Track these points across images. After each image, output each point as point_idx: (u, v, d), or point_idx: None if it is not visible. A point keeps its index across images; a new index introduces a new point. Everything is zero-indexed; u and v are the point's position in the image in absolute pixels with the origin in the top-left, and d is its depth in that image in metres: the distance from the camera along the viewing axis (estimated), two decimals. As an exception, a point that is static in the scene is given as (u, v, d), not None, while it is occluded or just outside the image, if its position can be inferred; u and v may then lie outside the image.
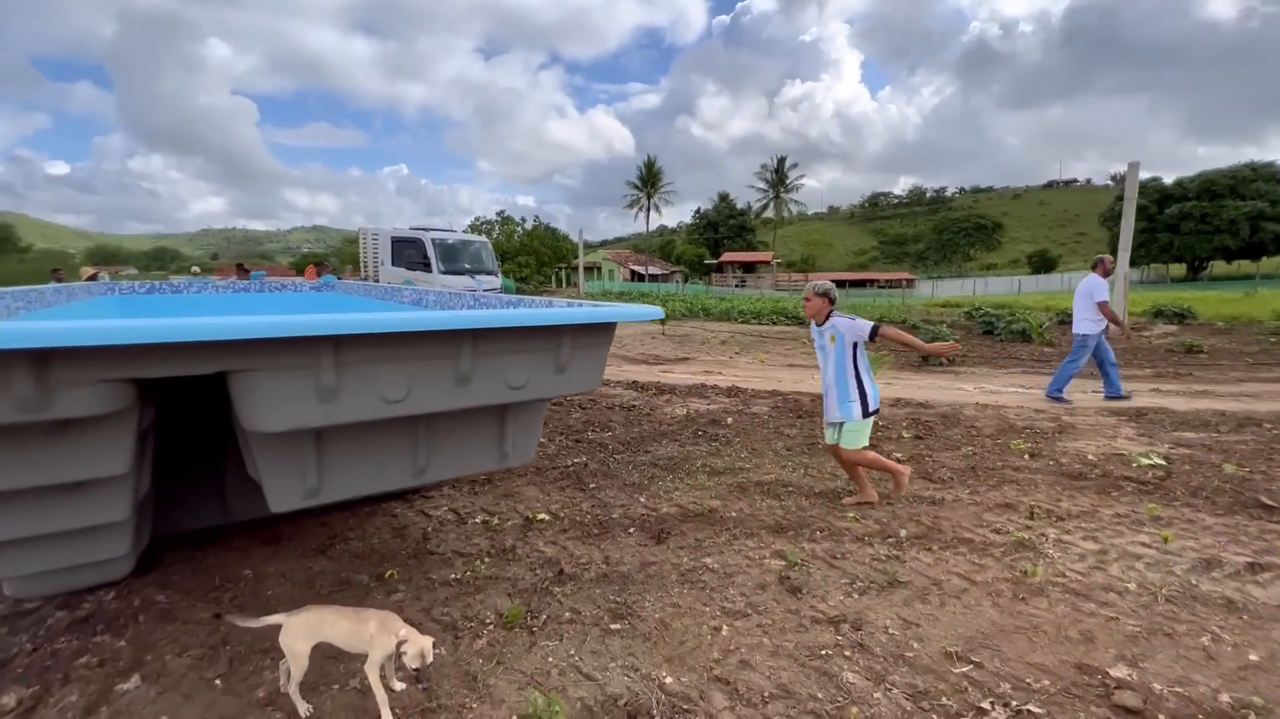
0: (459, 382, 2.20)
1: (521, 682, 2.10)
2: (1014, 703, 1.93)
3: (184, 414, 2.90)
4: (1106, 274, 6.65)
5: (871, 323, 3.51)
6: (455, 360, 2.15)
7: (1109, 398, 6.57)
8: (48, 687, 2.08)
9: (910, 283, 49.80)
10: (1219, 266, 48.08)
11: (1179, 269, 48.19)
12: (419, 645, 1.84)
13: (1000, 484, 3.95)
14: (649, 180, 62.30)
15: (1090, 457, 4.42)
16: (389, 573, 2.86)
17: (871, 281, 52.95)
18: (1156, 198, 44.25)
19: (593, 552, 3.11)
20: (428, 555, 3.08)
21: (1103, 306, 6.40)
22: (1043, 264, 65.63)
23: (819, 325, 3.67)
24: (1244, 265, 47.47)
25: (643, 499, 3.79)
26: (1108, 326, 6.59)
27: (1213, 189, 43.00)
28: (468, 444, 2.56)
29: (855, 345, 3.55)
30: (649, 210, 61.82)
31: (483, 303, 3.37)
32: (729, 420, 5.67)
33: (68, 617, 2.52)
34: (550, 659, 2.23)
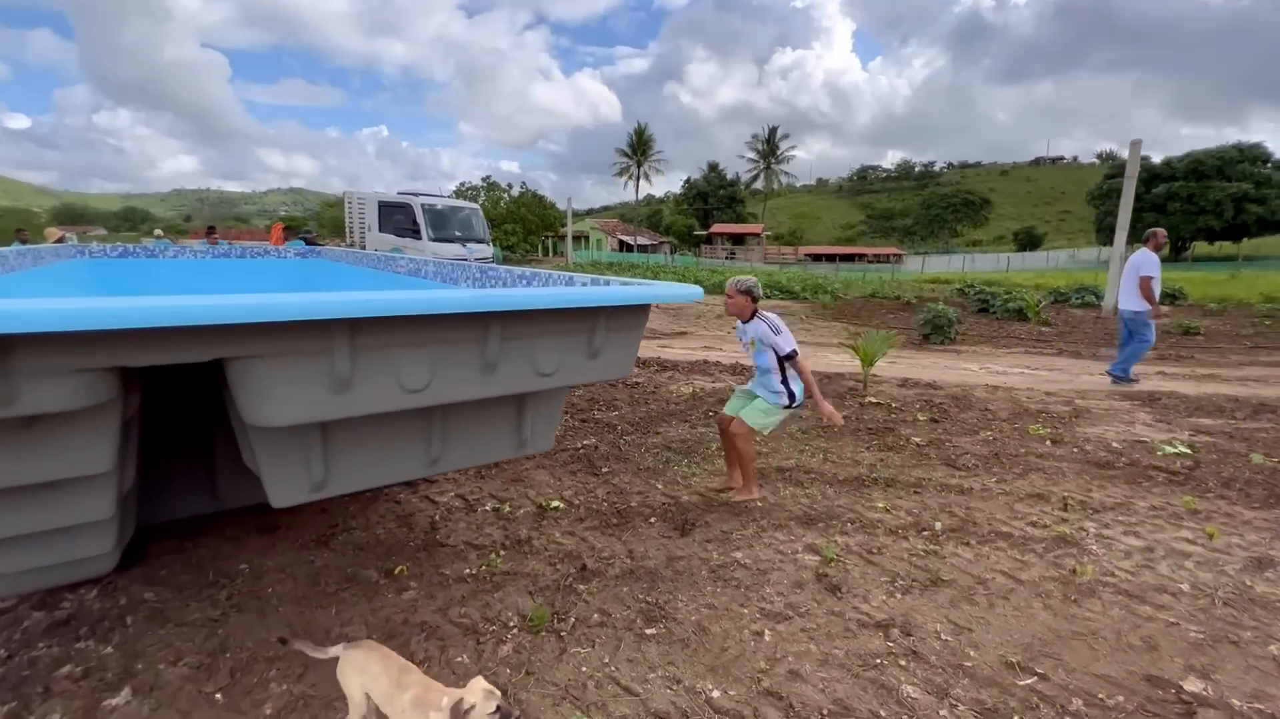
0: (485, 368, 1.97)
1: (556, 696, 1.93)
2: (1092, 723, 1.80)
3: (170, 392, 2.64)
4: (1158, 249, 6.39)
5: (793, 345, 3.22)
6: (482, 345, 1.92)
7: (1111, 373, 6.49)
8: (26, 702, 1.87)
9: (898, 258, 49.80)
10: (1201, 247, 48.64)
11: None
12: (481, 697, 1.42)
13: (1027, 473, 3.83)
14: (639, 148, 61.09)
15: (1115, 444, 4.32)
16: (399, 568, 2.66)
17: (860, 256, 52.86)
18: (1145, 177, 44.24)
19: (614, 544, 2.93)
20: (438, 548, 2.88)
21: (1145, 283, 6.15)
22: (1029, 241, 65.99)
23: (743, 323, 3.39)
24: (1225, 246, 48.08)
25: (660, 485, 3.62)
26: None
27: (1200, 169, 43.20)
28: (485, 432, 2.34)
29: (774, 352, 3.26)
30: (638, 179, 60.80)
31: (503, 279, 3.11)
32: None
33: (46, 618, 2.29)
34: (584, 669, 2.06)
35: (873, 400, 5.54)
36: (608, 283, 2.52)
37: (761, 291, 3.37)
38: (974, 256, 48.62)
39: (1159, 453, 4.15)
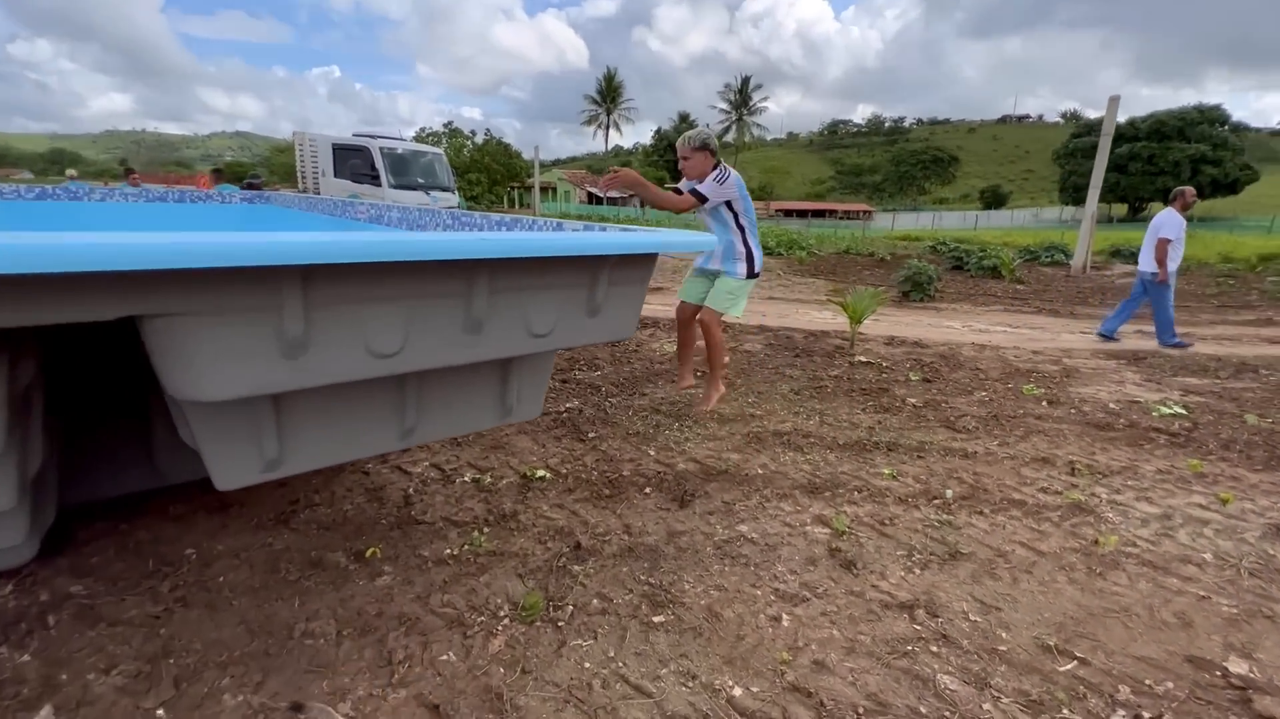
0: (470, 328, 1.66)
1: (558, 699, 1.71)
2: (1146, 715, 1.67)
3: (92, 351, 2.26)
4: (1185, 209, 6.19)
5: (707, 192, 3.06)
6: (467, 300, 1.61)
7: (1102, 334, 6.47)
8: (-81, 728, 1.56)
9: (868, 214, 49.83)
10: (1156, 208, 49.94)
11: (1120, 208, 49.85)
12: None
13: (1028, 435, 3.72)
14: (608, 95, 58.88)
15: (1111, 405, 4.25)
16: (370, 550, 2.37)
17: (831, 212, 52.70)
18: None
19: (609, 518, 2.70)
20: (414, 525, 2.60)
21: (1161, 245, 5.98)
22: (995, 200, 66.79)
23: (701, 187, 3.09)
24: (1179, 207, 49.41)
25: (652, 452, 3.38)
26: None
27: (1162, 130, 43.90)
28: (466, 399, 2.04)
29: (729, 203, 3.11)
30: (608, 128, 58.81)
31: (480, 227, 2.75)
32: (724, 359, 5.26)
33: (-52, 621, 1.95)
34: (587, 665, 1.84)
35: (862, 359, 5.38)
36: (604, 229, 2.20)
37: (718, 144, 3.11)
38: (941, 214, 48.97)
39: (1155, 414, 4.10)
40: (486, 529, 2.58)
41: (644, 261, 2.01)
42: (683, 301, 3.29)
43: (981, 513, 2.79)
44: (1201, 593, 2.23)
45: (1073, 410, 4.15)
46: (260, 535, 2.47)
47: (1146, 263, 6.28)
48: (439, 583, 2.22)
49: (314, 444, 1.75)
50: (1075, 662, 1.88)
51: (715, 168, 3.07)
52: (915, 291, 9.16)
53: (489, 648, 1.91)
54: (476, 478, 3.03)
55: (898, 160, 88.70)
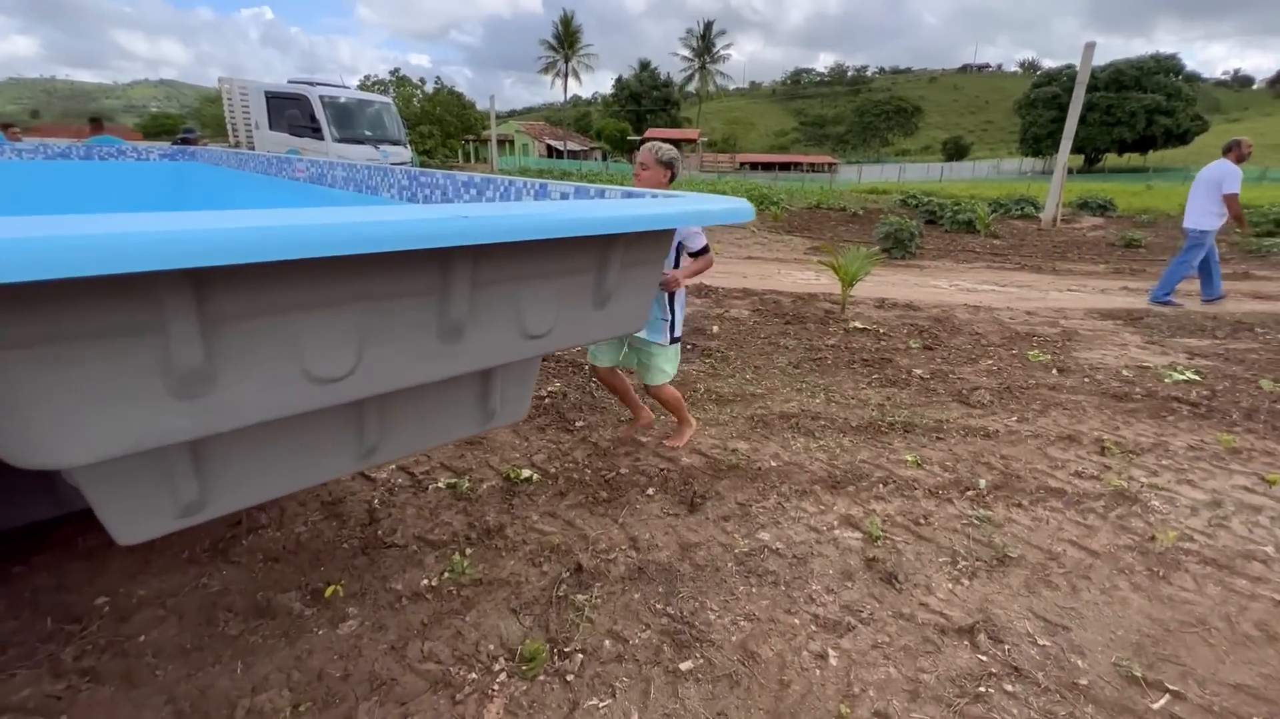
0: (446, 335, 1.24)
1: (578, 791, 1.38)
2: (1270, 770, 1.43)
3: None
4: (1241, 160, 5.72)
5: (705, 239, 2.59)
6: (442, 298, 1.19)
7: (1207, 300, 6.10)
8: None
9: (833, 167, 49.43)
10: (1111, 159, 50.96)
11: (1076, 160, 50.68)
12: None
13: (1046, 409, 3.50)
14: (566, 40, 56.10)
15: (1123, 372, 4.07)
16: (330, 588, 1.98)
17: (796, 165, 52.09)
18: (1068, 85, 45.19)
19: (610, 529, 2.35)
20: (382, 549, 2.21)
21: (1231, 200, 5.56)
22: (956, 151, 67.05)
23: None
24: (1133, 158, 50.56)
25: (649, 441, 3.03)
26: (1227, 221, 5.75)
27: (1121, 80, 44.32)
28: (438, 407, 1.63)
29: (679, 247, 2.59)
30: (566, 76, 56.27)
31: (442, 188, 2.28)
32: (714, 329, 4.91)
33: None
34: (608, 736, 1.52)
35: (857, 325, 5.09)
36: (602, 193, 1.77)
37: (681, 165, 2.68)
38: (904, 166, 48.96)
39: (1167, 379, 3.93)
40: (469, 550, 2.21)
41: (661, 239, 1.60)
42: (600, 366, 2.86)
43: (1020, 505, 2.54)
44: (1274, 597, 2.03)
45: (1085, 379, 3.95)
46: (192, 573, 2.04)
47: (1200, 220, 5.82)
48: (416, 626, 1.85)
49: (245, 478, 1.33)
50: (1168, 696, 1.64)
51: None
52: (897, 249, 8.91)
53: (484, 716, 1.56)
54: (452, 482, 2.63)
55: (861, 111, 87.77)
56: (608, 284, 1.48)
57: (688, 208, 1.45)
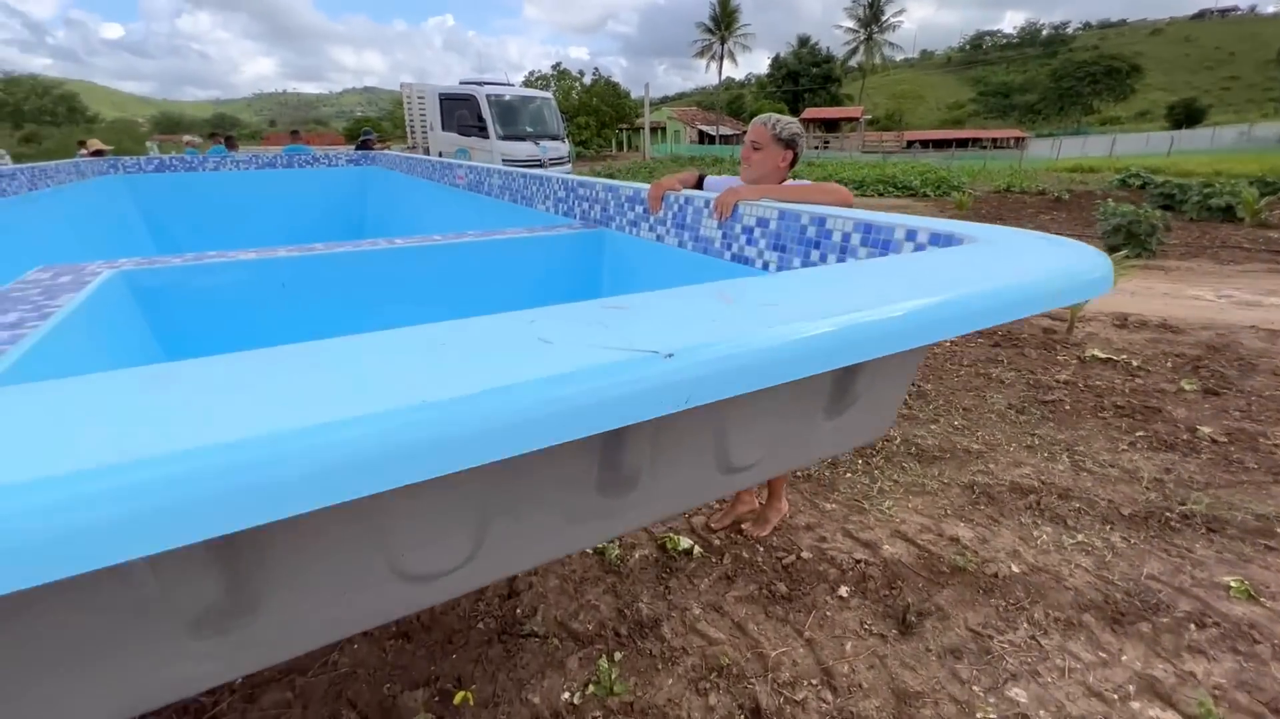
0: (609, 489, 0.79)
1: None
2: None
3: None
4: None
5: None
6: (607, 453, 0.72)
7: None
8: None
9: (1020, 142, 43.23)
10: None
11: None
12: None
13: None
14: (723, 21, 54.78)
15: None
16: (460, 694, 1.67)
17: (975, 141, 46.35)
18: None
19: (793, 645, 1.82)
20: (519, 639, 1.87)
21: None
22: (1187, 116, 55.53)
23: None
24: None
25: (836, 509, 2.43)
26: None
27: None
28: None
29: None
30: (721, 59, 55.03)
31: (599, 199, 1.87)
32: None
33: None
34: None
35: (1096, 354, 3.99)
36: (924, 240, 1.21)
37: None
38: (1115, 137, 41.43)
39: None
40: (618, 654, 1.80)
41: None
42: None
43: None
44: None
45: None
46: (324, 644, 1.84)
47: None
48: (554, 772, 1.46)
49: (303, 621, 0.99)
50: None
51: (784, 180, 1.98)
52: (1131, 245, 7.19)
53: None
54: (600, 548, 2.25)
55: (1059, 75, 75.72)
56: (854, 390, 0.94)
57: (1016, 277, 0.86)
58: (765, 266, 1.55)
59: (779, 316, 0.63)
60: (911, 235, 1.15)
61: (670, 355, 0.52)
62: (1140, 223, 7.26)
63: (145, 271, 1.58)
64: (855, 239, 1.26)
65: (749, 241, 1.62)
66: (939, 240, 1.12)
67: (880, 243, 1.20)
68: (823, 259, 1.36)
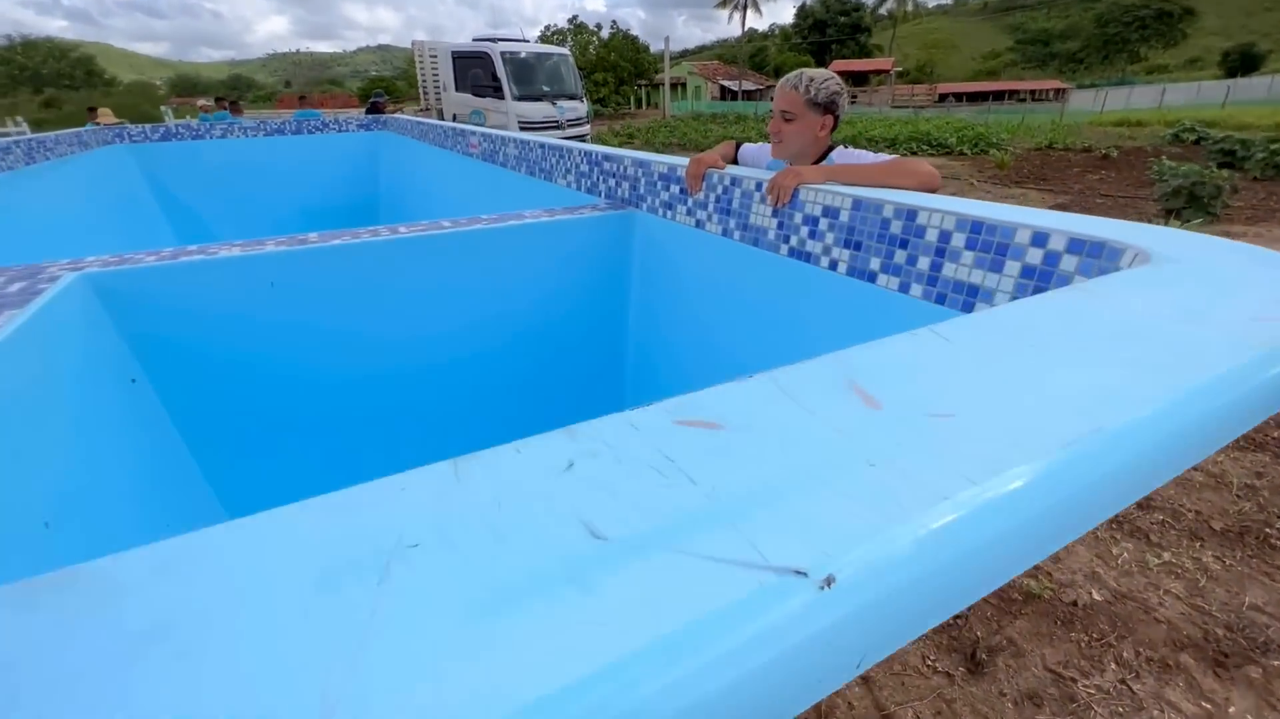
0: None
1: None
2: None
3: None
4: None
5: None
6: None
7: None
8: None
9: (1061, 93, 40.99)
10: None
11: None
12: None
13: None
14: (746, -32, 52.17)
15: None
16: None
17: (1012, 93, 44.09)
18: None
19: (849, 687, 1.63)
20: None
21: None
22: (1243, 64, 52.04)
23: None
24: None
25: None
26: None
27: None
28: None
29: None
30: (745, 8, 52.65)
31: (673, 183, 1.62)
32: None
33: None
34: None
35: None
36: None
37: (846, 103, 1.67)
38: (1164, 88, 39.08)
39: None
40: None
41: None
42: None
43: None
44: None
45: None
46: None
47: None
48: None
49: None
50: None
51: (827, 150, 1.65)
52: (1193, 210, 6.68)
53: None
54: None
55: (1104, 20, 71.24)
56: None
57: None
58: (833, 266, 1.30)
59: (993, 449, 0.38)
60: (1040, 240, 0.89)
61: (830, 581, 0.29)
62: (1204, 184, 6.72)
63: (113, 274, 1.38)
64: (958, 240, 1.01)
65: (812, 234, 1.36)
66: (1078, 247, 0.87)
67: (994, 246, 0.95)
68: (910, 262, 1.11)
